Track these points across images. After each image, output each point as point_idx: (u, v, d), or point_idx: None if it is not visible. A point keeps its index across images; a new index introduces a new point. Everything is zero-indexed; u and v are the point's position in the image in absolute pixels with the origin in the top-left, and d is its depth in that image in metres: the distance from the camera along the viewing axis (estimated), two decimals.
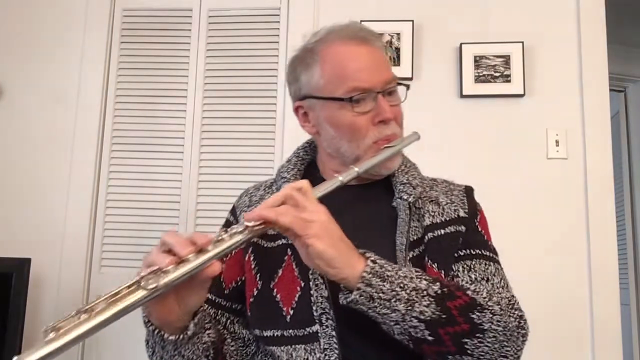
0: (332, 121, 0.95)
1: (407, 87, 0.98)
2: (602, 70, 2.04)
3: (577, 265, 1.94)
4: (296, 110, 1.02)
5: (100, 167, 2.18)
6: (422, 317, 0.77)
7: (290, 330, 0.87)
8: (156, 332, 0.77)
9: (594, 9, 2.07)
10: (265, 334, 0.89)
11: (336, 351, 0.84)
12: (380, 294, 0.76)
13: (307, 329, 0.86)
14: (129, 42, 2.24)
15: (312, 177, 1.00)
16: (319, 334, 0.85)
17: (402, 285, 0.77)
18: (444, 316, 0.77)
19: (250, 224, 0.74)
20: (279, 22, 2.19)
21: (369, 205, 0.97)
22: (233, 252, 0.80)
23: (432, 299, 0.77)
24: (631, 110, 3.34)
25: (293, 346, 0.86)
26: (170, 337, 0.77)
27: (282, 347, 0.87)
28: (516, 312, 0.84)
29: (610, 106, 2.08)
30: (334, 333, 0.84)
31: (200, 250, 0.71)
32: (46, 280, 2.09)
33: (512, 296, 0.88)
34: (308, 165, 1.05)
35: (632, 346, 3.11)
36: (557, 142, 2.01)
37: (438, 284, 0.80)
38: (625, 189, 3.29)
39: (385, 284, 0.76)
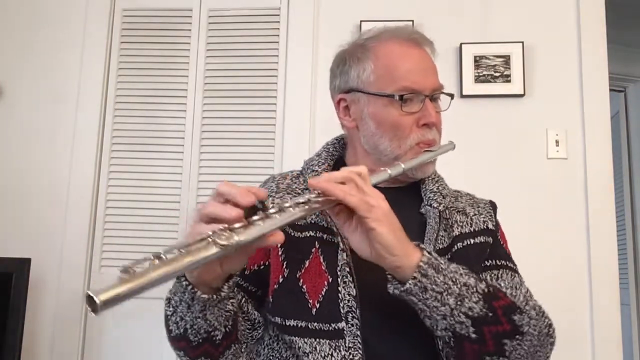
0: (376, 117, 0.95)
1: (452, 97, 0.99)
2: (602, 70, 2.04)
3: (577, 265, 1.94)
4: (338, 103, 1.02)
5: (100, 167, 2.18)
6: (470, 313, 0.78)
7: (315, 324, 0.87)
8: (189, 288, 0.77)
9: (594, 9, 2.07)
10: (287, 323, 0.89)
11: (360, 351, 0.84)
12: (434, 286, 0.77)
13: (333, 325, 0.86)
14: (129, 42, 2.24)
15: None
16: (345, 332, 0.85)
17: (454, 279, 0.78)
18: (490, 314, 0.79)
19: (312, 196, 0.73)
20: (279, 22, 2.19)
21: (397, 211, 0.95)
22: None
23: (481, 296, 0.79)
24: (631, 110, 3.34)
25: (317, 340, 0.86)
26: (203, 296, 0.76)
27: (305, 339, 0.87)
28: (546, 320, 0.88)
29: (610, 106, 2.08)
30: (358, 332, 0.85)
31: (267, 217, 0.70)
32: (46, 280, 2.09)
33: (540, 305, 0.90)
34: (336, 162, 1.05)
35: (632, 346, 3.11)
36: (557, 142, 2.01)
37: (484, 282, 0.81)
38: (625, 189, 3.29)
39: (439, 275, 0.77)
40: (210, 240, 0.64)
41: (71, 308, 2.08)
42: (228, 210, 0.68)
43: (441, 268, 0.78)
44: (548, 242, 1.97)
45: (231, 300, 0.82)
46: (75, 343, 2.06)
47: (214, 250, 0.64)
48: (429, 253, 0.78)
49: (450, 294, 0.77)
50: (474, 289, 0.79)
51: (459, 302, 0.77)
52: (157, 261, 0.62)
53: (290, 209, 0.72)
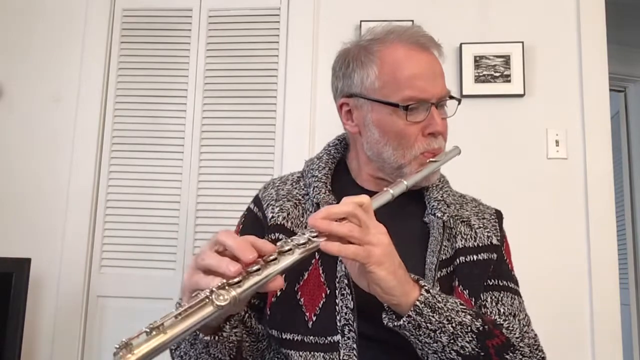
0: (380, 125, 0.92)
1: (459, 101, 0.97)
2: (602, 70, 2.03)
3: (577, 265, 1.94)
4: (340, 107, 0.99)
5: (100, 167, 2.18)
6: (462, 351, 0.78)
7: (311, 337, 0.86)
8: None
9: (594, 9, 2.06)
10: (284, 337, 0.88)
11: None
12: (428, 324, 0.76)
13: (329, 338, 0.85)
14: (129, 42, 2.24)
15: (341, 176, 1.00)
16: (340, 345, 0.84)
17: (449, 318, 0.77)
18: (482, 354, 0.78)
19: (313, 235, 0.71)
20: (279, 22, 2.19)
21: (400, 219, 0.94)
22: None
23: (475, 336, 0.78)
24: (631, 110, 3.34)
25: (312, 353, 0.85)
26: (205, 338, 0.75)
27: (300, 352, 0.86)
28: (540, 354, 0.86)
29: (610, 106, 2.08)
30: (354, 345, 0.84)
31: (266, 264, 0.68)
32: (46, 280, 2.09)
33: (536, 335, 0.89)
34: (337, 164, 1.02)
35: (632, 346, 3.10)
36: (557, 142, 2.01)
37: (480, 320, 0.80)
38: (625, 189, 3.29)
39: (434, 315, 0.76)
40: (207, 300, 0.63)
41: (71, 308, 2.08)
42: (227, 265, 0.66)
43: (438, 307, 0.77)
44: (548, 242, 1.96)
45: (234, 331, 0.80)
46: (75, 343, 2.06)
47: (211, 310, 0.63)
48: (427, 291, 0.77)
49: (444, 332, 0.76)
50: (469, 328, 0.78)
51: (451, 341, 0.77)
52: (154, 332, 0.60)
53: (290, 251, 0.70)
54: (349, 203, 0.75)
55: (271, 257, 0.69)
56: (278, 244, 0.71)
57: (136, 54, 2.23)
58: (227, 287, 0.64)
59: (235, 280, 0.65)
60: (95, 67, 2.22)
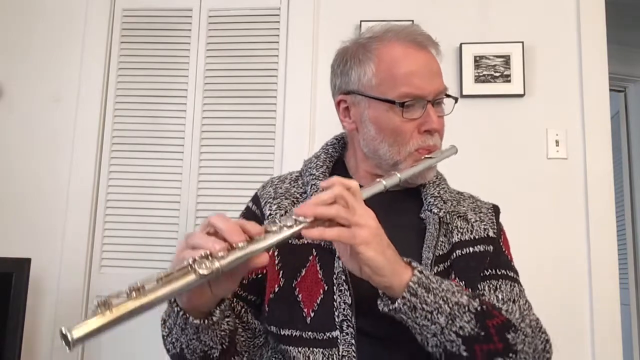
0: (377, 122, 0.93)
1: (456, 100, 0.97)
2: (602, 70, 2.04)
3: (577, 265, 1.94)
4: (338, 104, 1.00)
5: (100, 167, 2.18)
6: (461, 332, 0.77)
7: (310, 333, 0.86)
8: (181, 314, 0.76)
9: (594, 9, 2.06)
10: (282, 333, 0.89)
11: (354, 359, 0.83)
12: (424, 305, 0.76)
13: (327, 334, 0.85)
14: (129, 42, 2.24)
15: (339, 175, 1.00)
16: (339, 341, 0.84)
17: (445, 298, 0.77)
18: (482, 333, 0.78)
19: (300, 219, 0.72)
20: (279, 22, 2.19)
21: (396, 215, 0.94)
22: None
23: (473, 315, 0.78)
24: (631, 110, 3.34)
25: (311, 349, 0.85)
26: (195, 322, 0.76)
27: (299, 348, 0.86)
28: (543, 336, 0.87)
29: (610, 106, 2.08)
30: (353, 341, 0.84)
31: (251, 239, 0.69)
32: (46, 280, 2.09)
33: (538, 319, 0.89)
34: (335, 163, 1.03)
35: (632, 346, 3.10)
36: (557, 142, 2.01)
37: (477, 300, 0.80)
38: (625, 189, 3.29)
39: (429, 295, 0.76)
40: (190, 268, 0.64)
41: (71, 308, 2.08)
42: (213, 244, 0.67)
43: (432, 287, 0.76)
44: (548, 242, 1.97)
45: (227, 320, 0.81)
46: None
47: (193, 278, 0.64)
48: (420, 272, 0.77)
49: (441, 313, 0.76)
50: (466, 307, 0.77)
51: (449, 321, 0.76)
52: (134, 293, 0.61)
53: (276, 230, 0.71)
54: (335, 184, 0.76)
55: (257, 237, 0.70)
56: (265, 222, 0.73)
57: (136, 54, 2.23)
58: (210, 258, 0.66)
59: (220, 254, 0.67)
60: (95, 67, 2.22)
